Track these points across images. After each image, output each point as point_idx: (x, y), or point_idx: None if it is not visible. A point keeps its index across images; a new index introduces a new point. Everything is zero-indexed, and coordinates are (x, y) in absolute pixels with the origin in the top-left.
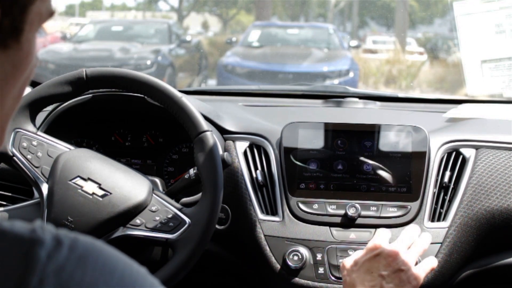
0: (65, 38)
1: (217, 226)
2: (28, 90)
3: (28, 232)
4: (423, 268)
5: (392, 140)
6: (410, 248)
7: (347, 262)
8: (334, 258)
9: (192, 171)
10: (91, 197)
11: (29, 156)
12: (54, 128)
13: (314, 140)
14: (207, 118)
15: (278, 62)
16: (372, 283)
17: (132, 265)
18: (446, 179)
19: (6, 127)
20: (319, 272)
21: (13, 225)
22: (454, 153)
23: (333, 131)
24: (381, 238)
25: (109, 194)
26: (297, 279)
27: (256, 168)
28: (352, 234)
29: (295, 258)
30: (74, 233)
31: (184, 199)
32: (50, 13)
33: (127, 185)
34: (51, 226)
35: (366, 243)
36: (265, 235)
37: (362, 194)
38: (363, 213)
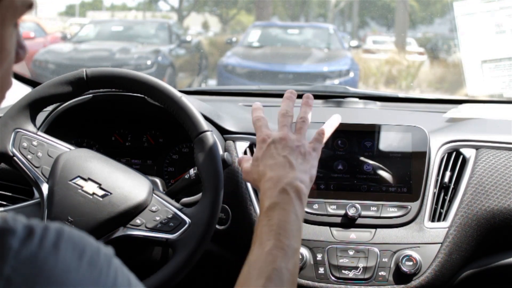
0: (65, 38)
1: (217, 226)
2: (28, 90)
3: (0, 223)
4: (316, 139)
5: (392, 140)
6: (300, 127)
7: (247, 162)
8: (334, 258)
9: (192, 171)
10: (91, 197)
11: (29, 156)
12: (54, 128)
13: None
14: (207, 118)
15: (278, 62)
16: (281, 165)
17: (100, 247)
18: (446, 179)
19: None
20: (319, 272)
21: None
22: (454, 153)
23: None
24: (264, 129)
25: (109, 194)
26: (297, 279)
27: None
28: (353, 234)
29: None
30: (45, 222)
31: (184, 199)
32: (28, 6)
33: (127, 185)
34: (23, 216)
35: (367, 243)
36: None
37: (362, 194)
38: (363, 213)
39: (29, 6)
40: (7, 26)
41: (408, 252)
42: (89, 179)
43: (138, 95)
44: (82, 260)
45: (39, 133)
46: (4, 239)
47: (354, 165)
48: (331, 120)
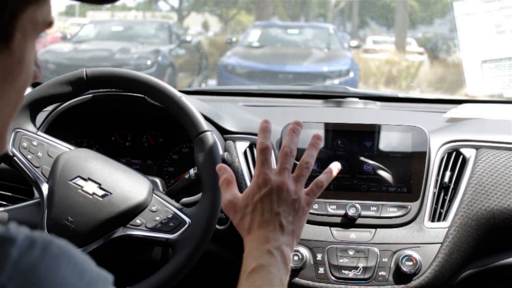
0: (65, 38)
1: (217, 226)
2: (28, 90)
3: (1, 231)
4: (312, 191)
5: (392, 140)
6: (301, 175)
7: (239, 202)
8: (334, 258)
9: (192, 171)
10: (91, 197)
11: (29, 156)
12: (54, 128)
13: None
14: (207, 118)
15: (278, 62)
16: (271, 224)
17: (100, 272)
18: (446, 179)
19: (6, 133)
20: (319, 272)
21: None
22: (454, 153)
23: (333, 131)
24: (266, 169)
25: (109, 194)
26: (297, 279)
27: None
28: (352, 234)
29: (295, 258)
30: (49, 236)
31: (184, 199)
32: (48, 23)
33: (127, 185)
34: (26, 228)
35: (367, 243)
36: None
37: (362, 194)
38: (363, 213)
39: (49, 24)
40: (28, 39)
41: (408, 252)
42: (89, 179)
43: (138, 95)
44: (82, 280)
45: (39, 133)
46: (4, 248)
47: (354, 165)
48: (330, 170)
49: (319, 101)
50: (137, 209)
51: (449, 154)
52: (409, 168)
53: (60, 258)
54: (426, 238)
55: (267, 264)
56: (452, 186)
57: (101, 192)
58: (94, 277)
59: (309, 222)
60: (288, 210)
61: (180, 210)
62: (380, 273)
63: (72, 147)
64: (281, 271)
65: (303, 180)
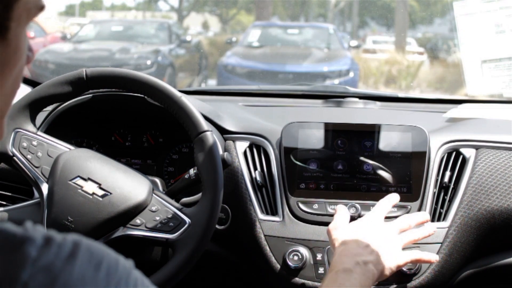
0: (65, 38)
1: (217, 226)
2: (28, 90)
3: (20, 231)
4: (410, 256)
5: (392, 140)
6: (404, 232)
7: (347, 225)
8: None
9: (192, 171)
10: (91, 197)
11: (29, 156)
12: (54, 128)
13: (314, 140)
14: (207, 118)
15: (278, 62)
16: (366, 243)
17: (119, 260)
18: (446, 179)
19: (3, 122)
20: (319, 272)
21: (4, 225)
22: (454, 153)
23: (333, 131)
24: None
25: (109, 194)
26: (297, 279)
27: (256, 168)
28: None
29: (295, 258)
30: (64, 233)
31: (184, 199)
32: (40, 8)
33: (127, 185)
34: (42, 227)
35: None
36: (265, 235)
37: (362, 194)
38: (363, 213)
39: (41, 8)
40: (22, 27)
41: (408, 252)
42: (89, 179)
43: (138, 95)
44: (99, 271)
45: (39, 133)
46: (23, 247)
47: (354, 165)
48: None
49: (319, 101)
50: (137, 209)
51: (449, 154)
52: (409, 168)
53: (76, 253)
54: (426, 238)
55: (353, 270)
56: (452, 186)
57: (101, 192)
58: (112, 266)
59: (309, 222)
60: (385, 247)
61: (180, 210)
62: None
63: (72, 147)
64: (362, 282)
65: (406, 240)
